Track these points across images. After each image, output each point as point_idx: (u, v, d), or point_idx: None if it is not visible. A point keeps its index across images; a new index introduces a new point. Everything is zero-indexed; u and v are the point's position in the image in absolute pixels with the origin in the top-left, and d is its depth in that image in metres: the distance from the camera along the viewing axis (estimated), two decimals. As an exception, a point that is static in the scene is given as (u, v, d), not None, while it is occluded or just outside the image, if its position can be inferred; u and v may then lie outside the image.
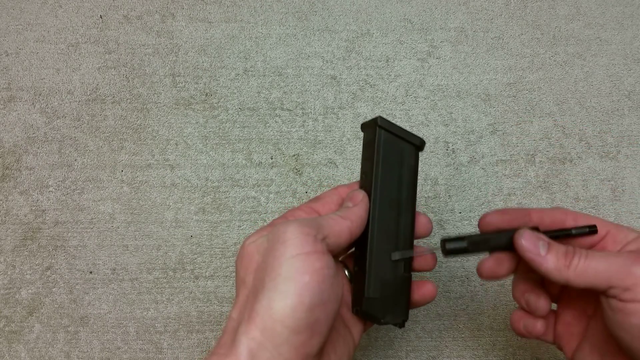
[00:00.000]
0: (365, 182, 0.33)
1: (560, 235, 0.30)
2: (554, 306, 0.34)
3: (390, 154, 0.33)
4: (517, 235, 0.29)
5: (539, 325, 0.33)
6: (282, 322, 0.25)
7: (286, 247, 0.26)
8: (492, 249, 0.32)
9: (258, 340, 0.25)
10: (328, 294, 0.27)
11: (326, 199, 0.33)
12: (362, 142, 0.34)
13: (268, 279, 0.26)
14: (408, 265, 0.33)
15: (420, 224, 0.34)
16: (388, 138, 0.32)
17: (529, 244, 0.29)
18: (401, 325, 0.33)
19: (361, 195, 0.32)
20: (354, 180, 0.42)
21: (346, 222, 0.30)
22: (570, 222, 0.31)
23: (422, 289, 0.34)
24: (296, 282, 0.26)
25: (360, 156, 0.52)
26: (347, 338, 0.32)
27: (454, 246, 0.31)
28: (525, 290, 0.33)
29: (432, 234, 0.50)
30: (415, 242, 0.34)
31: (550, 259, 0.28)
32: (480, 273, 0.32)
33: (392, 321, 0.33)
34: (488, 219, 0.32)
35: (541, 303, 0.32)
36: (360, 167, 0.34)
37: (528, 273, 0.33)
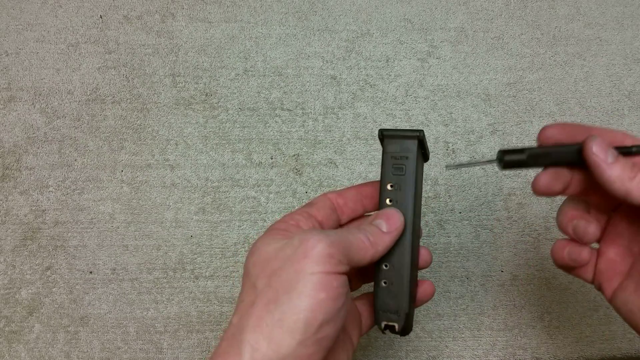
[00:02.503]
0: (397, 196, 0.32)
1: (621, 152, 0.29)
2: (595, 246, 0.33)
3: (394, 152, 0.32)
4: (589, 139, 0.28)
5: (584, 253, 0.31)
6: (291, 335, 0.25)
7: (308, 263, 0.26)
8: (551, 163, 0.30)
9: (263, 351, 0.25)
10: (339, 312, 0.27)
11: (319, 204, 0.33)
12: (381, 150, 0.33)
13: (283, 290, 0.26)
14: (415, 279, 0.33)
15: (421, 258, 0.35)
16: (391, 142, 0.32)
17: (599, 149, 0.28)
18: (404, 334, 0.33)
19: (399, 223, 0.31)
20: (353, 183, 0.42)
21: (372, 250, 0.30)
22: (629, 143, 0.30)
23: (420, 287, 0.34)
24: (312, 299, 0.26)
25: (359, 156, 0.52)
26: (347, 343, 0.32)
27: (513, 158, 0.29)
28: (574, 216, 0.31)
29: (433, 234, 0.50)
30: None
31: (616, 167, 0.27)
32: (536, 187, 0.30)
33: (394, 332, 0.33)
34: (549, 132, 0.31)
35: (591, 228, 0.31)
36: (380, 172, 0.33)
37: (579, 196, 0.32)
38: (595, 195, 0.31)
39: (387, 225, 0.31)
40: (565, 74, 0.56)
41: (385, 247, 0.30)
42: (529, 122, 0.54)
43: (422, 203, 0.51)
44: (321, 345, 0.26)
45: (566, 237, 0.33)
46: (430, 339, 0.47)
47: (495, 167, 0.52)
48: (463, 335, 0.47)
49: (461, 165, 0.33)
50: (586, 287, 0.49)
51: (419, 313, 0.48)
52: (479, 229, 0.51)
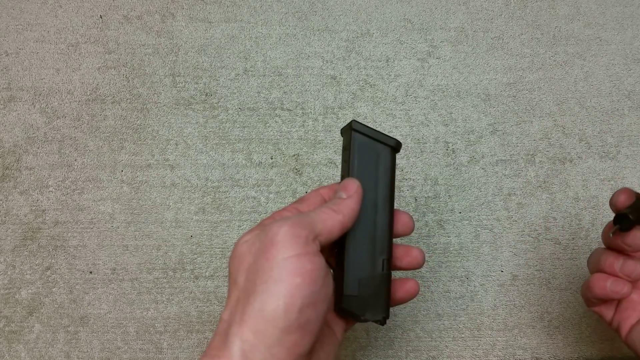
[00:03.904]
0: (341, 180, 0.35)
1: None
2: None
3: (366, 156, 0.34)
4: None
5: (627, 286, 0.34)
6: (274, 324, 0.25)
7: (278, 249, 0.27)
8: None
9: (250, 342, 0.26)
10: (318, 295, 0.27)
11: (310, 200, 0.34)
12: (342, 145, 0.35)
13: (259, 280, 0.26)
14: (387, 263, 0.34)
15: (401, 222, 0.35)
16: (363, 141, 0.34)
17: None
18: (382, 322, 0.33)
19: (355, 186, 0.32)
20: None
21: (338, 217, 0.30)
22: None
23: (405, 286, 0.35)
24: (287, 284, 0.26)
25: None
26: (330, 337, 0.33)
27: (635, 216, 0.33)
28: (618, 257, 0.34)
29: (433, 234, 0.50)
30: (407, 241, 0.35)
31: None
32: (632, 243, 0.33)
33: (372, 318, 0.33)
34: (622, 198, 0.34)
35: (639, 268, 0.34)
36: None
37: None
38: None
39: (345, 193, 0.31)
40: (565, 74, 0.56)
41: (351, 211, 0.31)
42: (529, 122, 0.54)
43: (422, 203, 0.51)
44: (305, 329, 0.26)
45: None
46: (430, 339, 0.47)
47: (495, 167, 0.52)
48: (463, 335, 0.47)
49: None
50: (586, 287, 0.49)
51: (419, 313, 0.48)
52: (479, 229, 0.51)
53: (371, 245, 0.33)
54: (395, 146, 0.34)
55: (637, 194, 0.34)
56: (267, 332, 0.25)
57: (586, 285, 0.36)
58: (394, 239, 0.34)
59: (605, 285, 0.34)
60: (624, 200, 0.34)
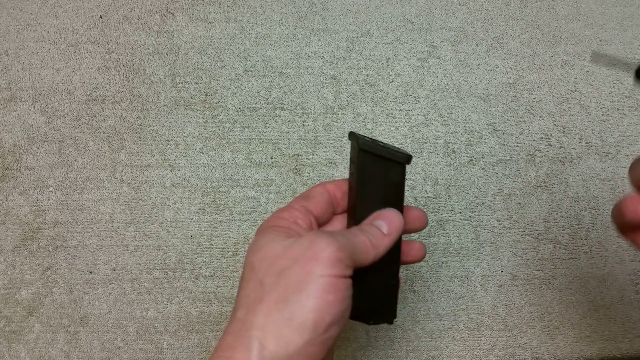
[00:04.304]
0: (350, 195, 0.34)
1: None
2: None
3: (375, 172, 0.33)
4: None
5: None
6: (300, 335, 0.26)
7: (318, 266, 0.27)
8: None
9: (272, 348, 0.26)
10: (343, 314, 0.28)
11: (317, 198, 0.33)
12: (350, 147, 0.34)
13: (292, 290, 0.27)
14: (396, 273, 0.34)
15: (414, 217, 0.35)
16: (371, 159, 0.33)
17: None
18: (390, 322, 0.34)
19: (398, 224, 0.32)
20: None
21: (373, 252, 0.31)
22: None
23: (412, 251, 0.36)
24: (320, 301, 0.27)
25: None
26: None
27: None
28: None
29: (433, 234, 0.50)
30: (407, 237, 0.35)
31: None
32: None
33: (381, 322, 0.34)
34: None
35: None
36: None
37: None
38: None
39: (387, 227, 0.32)
40: (565, 74, 0.56)
41: (385, 249, 0.31)
42: (529, 122, 0.54)
43: (422, 203, 0.51)
44: (325, 345, 0.27)
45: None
46: (430, 339, 0.47)
47: (495, 167, 0.52)
48: (463, 335, 0.47)
49: (607, 58, 0.32)
50: (586, 287, 0.49)
51: (419, 313, 0.48)
52: (479, 229, 0.51)
53: (382, 258, 0.33)
54: (406, 161, 0.33)
55: None
56: (291, 342, 0.26)
57: (617, 207, 0.30)
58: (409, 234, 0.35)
59: (636, 209, 0.30)
60: None
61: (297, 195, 0.34)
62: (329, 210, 0.34)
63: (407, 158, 0.33)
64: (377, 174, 0.33)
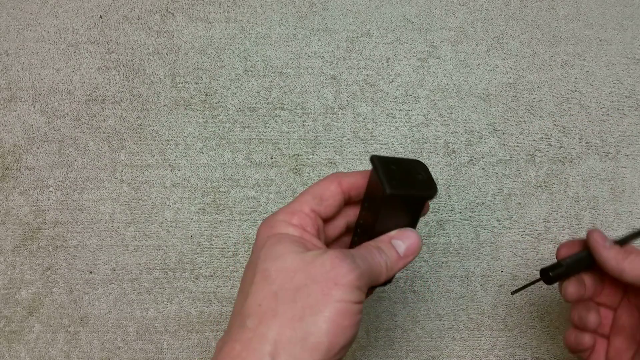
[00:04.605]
0: (366, 218, 0.32)
1: (616, 243, 0.35)
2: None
3: (397, 205, 0.31)
4: (591, 231, 0.35)
5: (586, 338, 0.36)
6: (311, 355, 0.26)
7: (337, 291, 0.27)
8: (582, 267, 0.36)
9: None
10: (354, 336, 0.28)
11: (329, 201, 0.32)
12: (370, 165, 0.31)
13: (309, 311, 0.27)
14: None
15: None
16: (397, 199, 0.30)
17: (599, 236, 0.34)
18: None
19: (416, 247, 0.32)
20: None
21: (386, 275, 0.31)
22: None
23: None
24: (336, 325, 0.27)
25: (359, 156, 0.52)
26: None
27: (556, 272, 0.35)
28: (581, 308, 0.36)
29: (433, 234, 0.50)
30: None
31: (612, 250, 0.34)
32: (568, 297, 0.36)
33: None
34: (562, 251, 0.37)
35: (591, 316, 0.36)
36: (366, 188, 0.32)
37: (590, 300, 0.37)
38: (602, 295, 0.37)
39: (404, 249, 0.31)
40: (565, 74, 0.56)
41: (397, 271, 0.31)
42: (529, 122, 0.54)
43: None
44: None
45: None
46: (430, 339, 0.47)
47: (495, 167, 0.52)
48: (463, 335, 0.47)
49: (522, 287, 0.38)
50: (586, 287, 0.49)
51: (419, 313, 0.48)
52: (479, 229, 0.51)
53: None
54: (432, 197, 0.31)
55: (585, 244, 0.35)
56: None
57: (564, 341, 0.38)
58: None
59: (572, 340, 0.36)
60: (564, 253, 0.36)
61: (309, 188, 0.32)
62: (338, 211, 0.33)
63: (434, 194, 0.31)
64: (400, 205, 0.31)
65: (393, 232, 0.32)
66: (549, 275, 0.35)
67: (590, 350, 0.36)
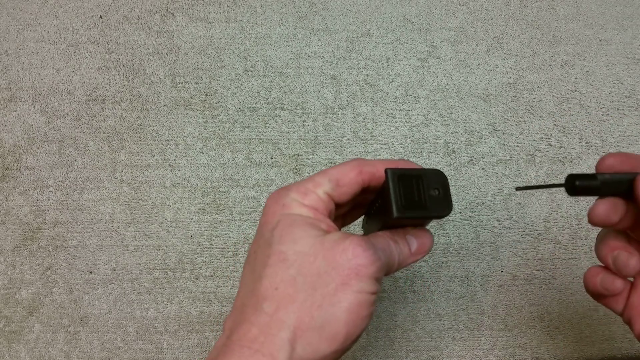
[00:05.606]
0: (380, 212, 0.31)
1: None
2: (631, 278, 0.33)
3: (404, 223, 0.31)
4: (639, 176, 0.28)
5: (618, 282, 0.31)
6: (328, 344, 0.27)
7: (358, 281, 0.27)
8: (619, 193, 0.29)
9: (299, 351, 0.26)
10: (367, 325, 0.28)
11: (346, 188, 0.30)
12: (384, 178, 0.30)
13: (328, 301, 0.27)
14: None
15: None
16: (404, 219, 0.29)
17: None
18: None
19: (427, 248, 0.32)
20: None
21: (395, 268, 0.31)
22: None
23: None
24: (354, 316, 0.27)
25: (359, 156, 0.52)
26: None
27: (585, 184, 0.28)
28: (616, 247, 0.31)
29: (433, 234, 0.50)
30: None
31: None
32: (594, 217, 0.30)
33: None
34: (609, 161, 0.30)
35: (632, 261, 0.31)
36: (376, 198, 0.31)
37: (625, 230, 0.32)
38: (635, 230, 0.31)
39: (416, 248, 0.31)
40: (565, 74, 0.56)
41: (405, 267, 0.32)
42: (529, 122, 0.54)
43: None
44: (345, 352, 0.28)
45: (600, 264, 0.32)
46: (430, 339, 0.47)
47: (495, 167, 0.52)
48: (463, 335, 0.47)
49: (530, 187, 0.31)
50: (586, 287, 0.49)
51: (419, 313, 0.48)
52: (479, 229, 0.51)
53: None
54: (442, 217, 0.30)
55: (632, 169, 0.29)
56: (319, 349, 0.27)
57: (583, 279, 0.33)
58: None
59: (596, 281, 0.32)
60: (607, 166, 0.30)
61: (328, 169, 0.31)
62: (352, 196, 0.31)
63: (446, 214, 0.29)
64: (410, 222, 0.31)
65: (409, 228, 0.32)
66: (574, 183, 0.28)
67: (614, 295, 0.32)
